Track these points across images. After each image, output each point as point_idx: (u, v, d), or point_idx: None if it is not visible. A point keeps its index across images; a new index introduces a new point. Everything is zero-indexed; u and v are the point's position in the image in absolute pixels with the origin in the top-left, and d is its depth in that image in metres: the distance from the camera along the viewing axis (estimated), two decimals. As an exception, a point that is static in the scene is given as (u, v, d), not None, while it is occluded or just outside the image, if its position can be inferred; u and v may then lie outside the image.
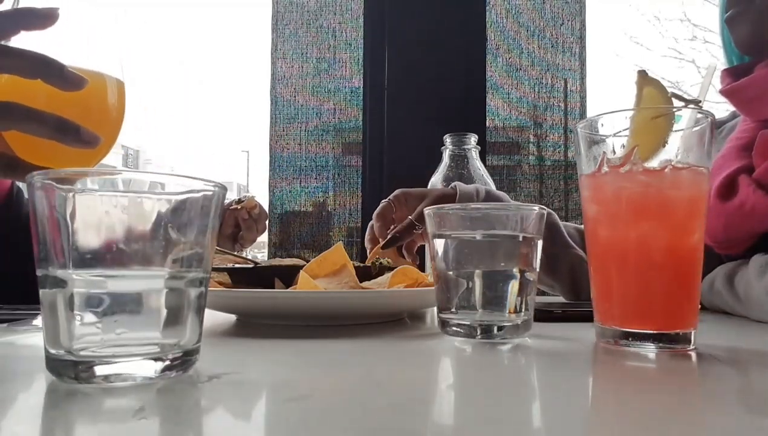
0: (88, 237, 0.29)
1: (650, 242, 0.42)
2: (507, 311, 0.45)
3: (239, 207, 1.02)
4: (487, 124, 1.37)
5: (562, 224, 0.81)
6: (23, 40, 0.52)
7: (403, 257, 0.80)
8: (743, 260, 0.67)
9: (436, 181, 0.91)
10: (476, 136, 0.91)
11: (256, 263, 0.68)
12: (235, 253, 0.95)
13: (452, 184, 0.82)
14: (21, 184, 0.83)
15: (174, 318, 0.30)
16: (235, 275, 0.61)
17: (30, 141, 0.52)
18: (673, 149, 0.42)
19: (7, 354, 0.40)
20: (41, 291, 0.29)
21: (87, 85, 0.51)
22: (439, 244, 0.47)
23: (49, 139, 0.51)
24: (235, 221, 1.03)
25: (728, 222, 0.67)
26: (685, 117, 0.43)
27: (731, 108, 0.86)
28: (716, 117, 0.45)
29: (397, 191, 0.80)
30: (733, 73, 0.77)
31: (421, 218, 0.74)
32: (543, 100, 1.39)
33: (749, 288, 0.62)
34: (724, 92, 0.75)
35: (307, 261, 0.59)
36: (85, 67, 0.53)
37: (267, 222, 1.09)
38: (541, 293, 0.96)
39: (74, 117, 0.52)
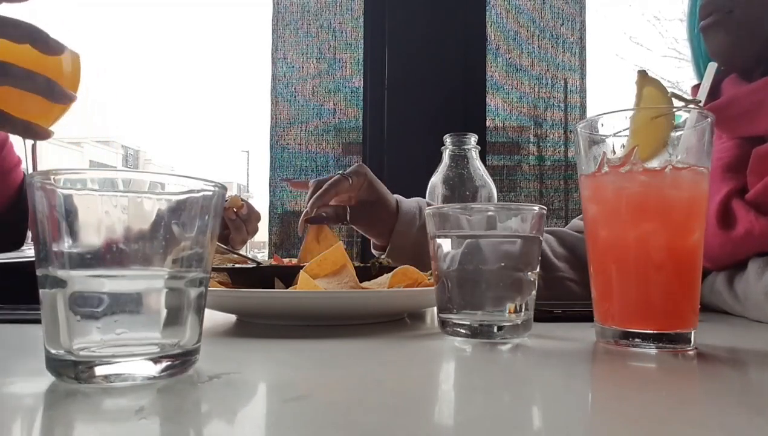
0: (88, 237, 0.29)
1: (650, 242, 0.42)
2: (507, 311, 0.45)
3: (225, 207, 0.99)
4: (487, 124, 1.37)
5: (561, 229, 0.79)
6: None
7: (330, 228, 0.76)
8: None
9: (436, 181, 0.91)
10: (476, 136, 0.91)
11: (256, 263, 0.68)
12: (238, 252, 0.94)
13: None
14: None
15: (174, 318, 0.30)
16: (235, 275, 0.61)
17: (6, 95, 0.60)
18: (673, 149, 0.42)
19: (8, 354, 0.40)
20: (41, 291, 0.29)
21: (66, 51, 0.61)
22: (439, 244, 0.47)
23: (36, 95, 0.60)
24: (223, 223, 1.01)
25: (736, 251, 0.65)
26: (684, 117, 0.43)
27: None
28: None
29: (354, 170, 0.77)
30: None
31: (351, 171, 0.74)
32: (543, 99, 1.39)
33: (747, 289, 0.62)
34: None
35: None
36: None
37: (258, 223, 1.05)
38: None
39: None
